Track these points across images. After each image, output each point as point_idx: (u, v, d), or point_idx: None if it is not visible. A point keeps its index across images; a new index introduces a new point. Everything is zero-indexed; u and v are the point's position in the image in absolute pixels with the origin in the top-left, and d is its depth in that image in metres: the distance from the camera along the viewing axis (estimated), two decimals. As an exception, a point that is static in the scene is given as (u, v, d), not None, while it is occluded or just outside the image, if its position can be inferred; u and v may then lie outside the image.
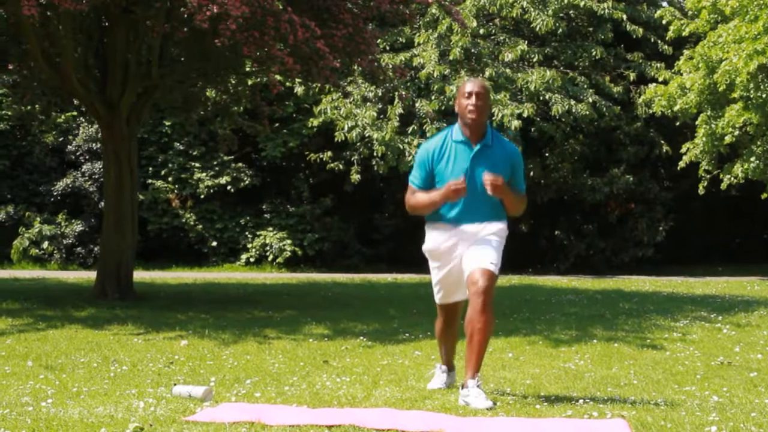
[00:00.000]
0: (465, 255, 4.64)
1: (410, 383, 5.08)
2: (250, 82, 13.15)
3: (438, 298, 4.87)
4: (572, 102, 17.20)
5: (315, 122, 18.37)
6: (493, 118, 16.27)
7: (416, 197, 4.73)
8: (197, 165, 19.61)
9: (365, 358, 6.14)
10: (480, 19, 18.25)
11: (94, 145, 19.32)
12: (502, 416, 4.17)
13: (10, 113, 17.36)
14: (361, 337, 7.32)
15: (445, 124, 15.24)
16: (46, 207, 19.63)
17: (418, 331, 7.60)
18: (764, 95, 15.30)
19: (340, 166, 18.46)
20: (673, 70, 17.95)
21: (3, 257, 18.82)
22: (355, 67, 10.83)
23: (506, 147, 4.74)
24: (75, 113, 19.59)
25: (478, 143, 4.64)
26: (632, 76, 18.59)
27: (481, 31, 18.09)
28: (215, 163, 19.58)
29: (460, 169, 4.60)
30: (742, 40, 15.27)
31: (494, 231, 4.67)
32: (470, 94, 4.60)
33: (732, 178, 16.72)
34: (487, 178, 4.49)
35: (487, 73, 16.95)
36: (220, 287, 13.45)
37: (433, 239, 4.74)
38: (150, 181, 19.47)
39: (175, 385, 4.83)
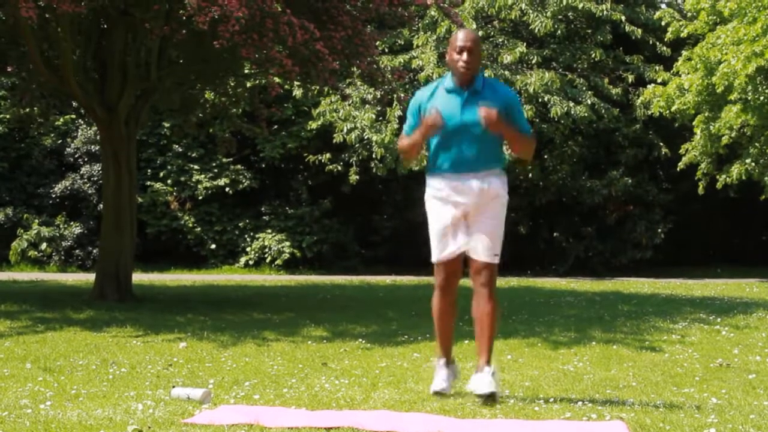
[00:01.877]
0: (466, 234, 4.60)
1: (409, 385, 5.07)
2: (248, 85, 13.15)
3: (436, 254, 4.68)
4: (571, 104, 17.21)
5: (314, 124, 18.39)
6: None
7: (403, 140, 4.77)
8: (196, 167, 19.62)
9: (364, 360, 6.14)
10: (479, 21, 18.26)
11: (92, 147, 19.32)
12: (501, 418, 4.17)
13: (8, 116, 17.36)
14: (360, 339, 7.32)
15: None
16: (45, 209, 19.63)
17: (417, 333, 7.60)
18: (762, 97, 15.31)
19: (339, 168, 18.46)
20: (671, 71, 17.97)
21: (1, 259, 18.81)
22: (354, 69, 10.82)
23: (499, 90, 4.71)
24: (74, 115, 19.60)
25: (468, 89, 4.64)
26: (631, 78, 18.61)
27: (480, 33, 18.10)
28: (214, 165, 19.58)
29: (448, 115, 4.58)
30: (741, 42, 15.28)
31: (494, 198, 4.62)
32: (461, 49, 4.58)
33: (727, 178, 16.72)
34: (482, 110, 4.47)
35: (485, 75, 16.93)
36: (218, 289, 13.44)
37: (433, 186, 4.70)
38: (149, 183, 19.47)
39: (173, 387, 4.83)
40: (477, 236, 4.60)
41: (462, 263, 4.72)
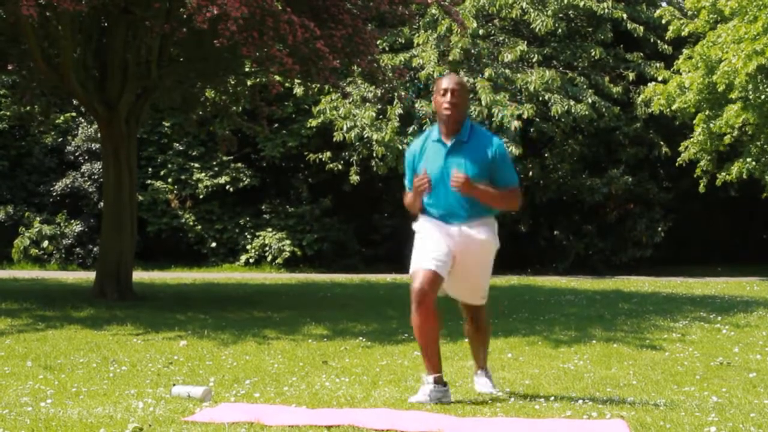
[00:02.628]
0: (454, 279, 4.64)
1: (409, 383, 5.08)
2: (249, 83, 13.15)
3: (414, 262, 4.53)
4: (571, 102, 17.20)
5: (314, 123, 18.38)
6: (493, 119, 16.27)
7: (406, 198, 4.82)
8: (196, 165, 19.61)
9: (364, 359, 6.14)
10: (479, 19, 18.24)
11: (93, 145, 19.32)
12: (502, 416, 4.18)
13: (9, 113, 17.37)
14: (360, 338, 7.32)
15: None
16: (46, 207, 19.63)
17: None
18: (763, 96, 15.30)
19: (339, 167, 18.46)
20: (672, 70, 17.96)
21: (3, 257, 18.82)
22: (355, 68, 10.83)
23: (484, 140, 4.65)
24: (74, 113, 19.57)
25: (452, 140, 4.62)
26: (631, 76, 18.60)
27: (481, 31, 18.09)
28: (214, 163, 19.58)
29: (435, 167, 4.60)
30: (742, 41, 15.27)
31: (484, 255, 4.68)
32: (446, 91, 4.60)
33: (728, 177, 16.72)
34: (453, 176, 4.48)
35: (486, 74, 16.95)
36: (219, 288, 13.45)
37: (424, 222, 4.71)
38: (149, 181, 19.47)
39: (174, 385, 4.83)
40: (465, 287, 4.73)
41: (439, 282, 4.53)
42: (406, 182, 4.82)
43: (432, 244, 4.57)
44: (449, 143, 4.62)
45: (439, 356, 4.59)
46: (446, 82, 4.64)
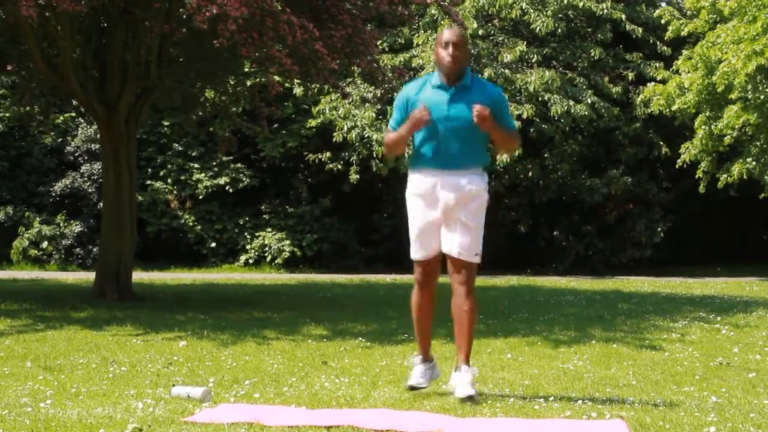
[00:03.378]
0: (446, 233, 4.63)
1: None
2: (248, 83, 13.15)
3: (415, 252, 4.73)
4: (571, 103, 17.21)
5: (314, 123, 18.39)
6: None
7: (388, 135, 4.80)
8: (196, 166, 19.62)
9: (364, 359, 6.14)
10: (479, 19, 18.25)
11: (92, 145, 19.32)
12: (501, 417, 4.18)
13: (8, 114, 17.37)
14: (360, 338, 7.32)
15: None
16: (45, 208, 19.63)
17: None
18: (762, 96, 15.31)
19: (339, 167, 18.46)
20: (671, 70, 17.97)
21: (2, 258, 18.82)
22: (354, 68, 10.83)
23: (486, 88, 4.76)
24: (74, 114, 19.58)
25: (455, 85, 4.66)
26: (631, 76, 18.61)
27: (480, 31, 18.10)
28: (214, 163, 19.59)
29: (436, 110, 4.60)
30: (741, 41, 15.28)
31: (475, 197, 4.64)
32: (447, 44, 4.62)
33: (728, 177, 16.73)
34: (475, 108, 4.49)
35: (486, 74, 16.95)
36: (219, 288, 13.45)
37: (415, 181, 4.73)
38: (149, 182, 19.47)
39: (173, 385, 4.83)
40: (457, 236, 4.62)
41: (440, 261, 4.75)
42: (392, 122, 4.79)
43: (426, 223, 4.65)
44: (452, 88, 4.65)
45: (429, 337, 4.87)
46: (447, 34, 4.65)
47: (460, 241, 4.61)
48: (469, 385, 4.49)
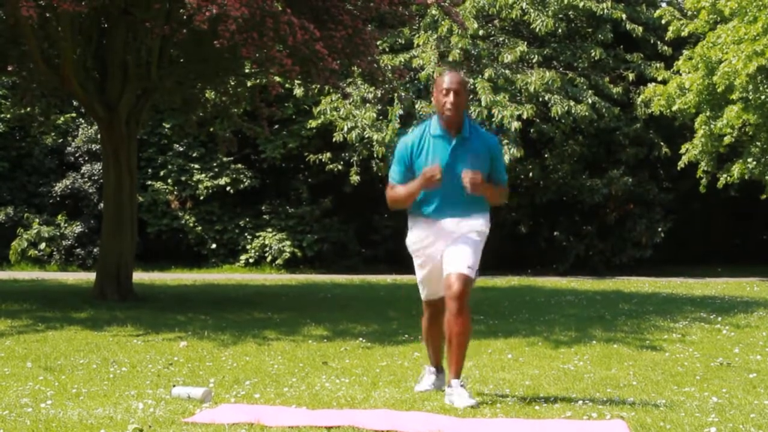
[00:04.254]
0: (444, 253, 4.65)
1: (409, 384, 5.08)
2: (249, 84, 13.15)
3: (423, 294, 4.90)
4: (571, 103, 17.20)
5: (314, 123, 18.40)
6: (493, 119, 16.27)
7: (395, 191, 4.80)
8: (196, 166, 19.62)
9: (364, 360, 6.14)
10: (479, 20, 18.25)
11: (93, 146, 19.32)
12: (502, 417, 4.18)
13: (9, 115, 17.37)
14: (361, 339, 7.32)
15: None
16: (46, 208, 19.63)
17: (418, 333, 7.56)
18: (763, 96, 15.30)
19: (340, 167, 18.46)
20: (672, 70, 17.97)
21: (2, 259, 18.82)
22: (355, 69, 10.83)
23: (484, 138, 4.78)
24: (74, 114, 19.60)
25: (456, 136, 4.65)
26: (631, 76, 18.60)
27: (481, 32, 18.09)
28: (214, 164, 19.59)
29: (439, 162, 4.60)
30: (741, 41, 15.27)
31: (474, 228, 4.66)
32: (448, 92, 4.60)
33: (728, 178, 16.72)
34: (465, 176, 4.49)
35: (486, 74, 16.95)
36: (219, 288, 13.45)
37: (415, 235, 4.78)
38: (149, 182, 19.47)
39: (174, 386, 4.83)
40: (453, 248, 4.63)
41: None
42: (394, 174, 4.79)
43: (432, 276, 4.77)
44: (454, 138, 4.65)
45: (441, 352, 4.94)
46: (448, 81, 4.63)
47: (454, 254, 4.60)
48: (466, 397, 4.45)
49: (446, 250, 4.65)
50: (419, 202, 4.72)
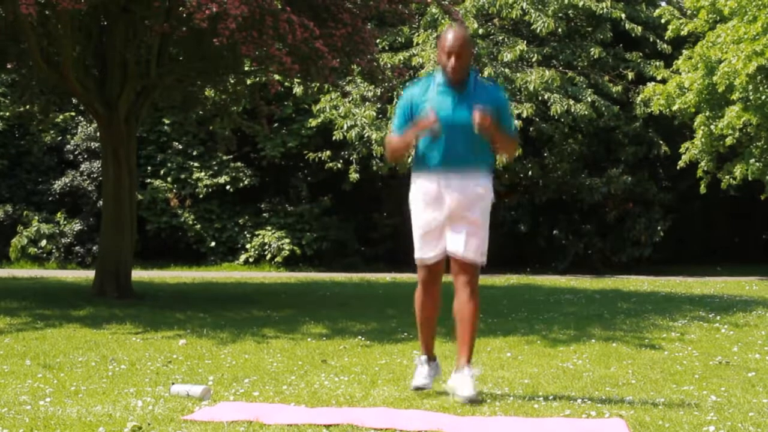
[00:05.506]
0: (451, 231, 4.61)
1: (409, 382, 5.07)
2: (249, 82, 13.14)
3: (418, 251, 4.67)
4: (571, 102, 17.20)
5: (314, 122, 18.40)
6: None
7: (392, 138, 4.75)
8: (196, 164, 19.62)
9: (363, 358, 6.14)
10: (479, 19, 18.25)
11: (92, 144, 19.33)
12: (501, 415, 4.18)
13: (8, 113, 17.37)
14: (360, 337, 7.32)
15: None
16: (45, 206, 19.63)
17: (417, 331, 7.59)
18: (764, 96, 15.30)
19: (339, 166, 18.47)
20: (671, 69, 17.97)
21: (1, 256, 18.82)
22: (354, 67, 10.82)
23: (489, 90, 4.75)
24: (74, 112, 19.60)
25: (460, 90, 4.64)
26: (631, 75, 18.60)
27: (480, 31, 18.09)
28: (214, 162, 19.59)
29: (443, 113, 4.57)
30: (741, 41, 15.27)
31: (481, 207, 4.62)
32: (449, 54, 4.57)
33: (731, 179, 16.73)
34: (476, 114, 4.46)
35: (486, 73, 16.95)
36: (218, 286, 13.45)
37: (419, 185, 4.70)
38: (149, 180, 19.47)
39: (173, 384, 4.83)
40: (463, 236, 4.58)
41: (445, 261, 4.71)
42: (395, 126, 4.75)
43: (430, 226, 4.63)
44: (458, 91, 4.63)
45: (434, 337, 4.84)
46: (450, 41, 4.59)
47: (467, 240, 4.57)
48: (471, 387, 4.45)
49: (453, 227, 4.59)
50: (422, 154, 4.67)
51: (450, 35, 4.62)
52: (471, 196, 4.60)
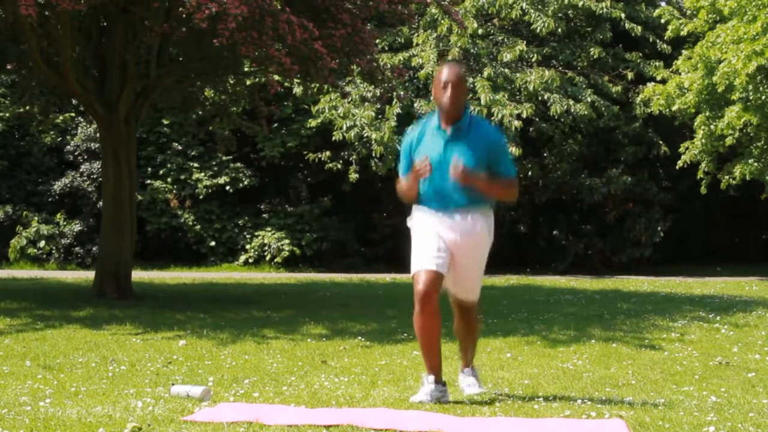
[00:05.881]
0: (454, 271, 4.61)
1: (408, 383, 5.08)
2: (248, 83, 13.14)
3: (416, 264, 4.54)
4: (571, 102, 17.20)
5: (313, 123, 18.40)
6: (492, 118, 16.27)
7: (400, 184, 4.78)
8: (196, 165, 19.61)
9: (363, 358, 6.14)
10: (479, 19, 18.25)
11: (92, 144, 19.31)
12: (501, 416, 4.18)
13: (8, 113, 17.36)
14: (360, 337, 7.32)
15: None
16: (45, 207, 19.62)
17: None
18: (763, 96, 15.30)
19: (339, 166, 18.46)
20: (671, 70, 17.97)
21: (1, 257, 18.81)
22: (354, 67, 10.82)
23: (483, 130, 4.70)
24: (73, 113, 19.58)
25: (452, 127, 4.62)
26: (630, 75, 18.60)
27: (480, 31, 18.09)
28: (214, 163, 19.58)
29: (434, 154, 4.57)
30: (741, 41, 15.27)
31: (480, 251, 4.65)
32: (446, 85, 4.58)
33: (731, 179, 16.73)
34: (451, 168, 4.46)
35: (485, 73, 16.95)
36: (218, 287, 13.45)
37: (419, 214, 4.69)
38: (148, 181, 19.46)
39: (173, 384, 4.83)
40: (461, 283, 4.70)
41: (441, 280, 4.56)
42: (401, 168, 4.79)
43: (429, 242, 4.57)
44: (449, 131, 4.62)
45: (439, 356, 4.63)
46: (446, 75, 4.61)
47: (463, 287, 4.72)
48: (476, 385, 4.79)
49: (454, 271, 4.61)
50: (421, 194, 4.67)
51: (446, 69, 4.67)
52: (469, 240, 4.59)
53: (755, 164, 16.25)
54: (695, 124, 16.88)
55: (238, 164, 19.58)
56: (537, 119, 17.75)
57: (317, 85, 11.32)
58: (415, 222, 4.71)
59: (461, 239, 4.57)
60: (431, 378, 4.58)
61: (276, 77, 10.85)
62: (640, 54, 18.89)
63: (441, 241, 4.56)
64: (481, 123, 4.82)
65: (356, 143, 17.65)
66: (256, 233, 19.29)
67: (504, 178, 4.66)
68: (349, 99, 16.91)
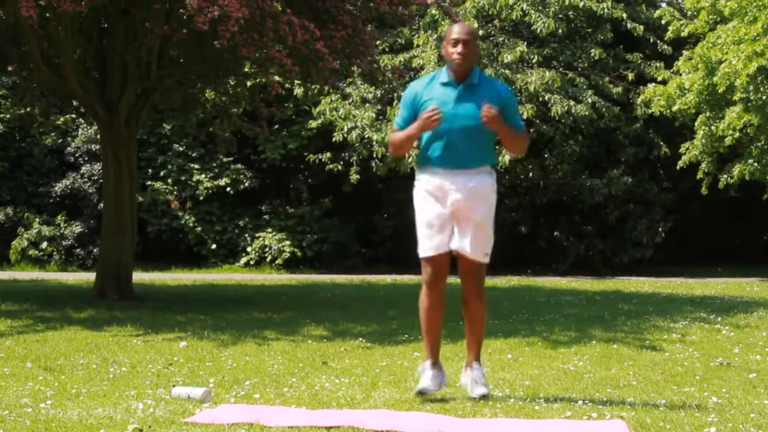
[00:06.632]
0: (457, 231, 4.59)
1: (409, 384, 5.07)
2: (249, 84, 13.15)
3: (423, 246, 4.62)
4: (571, 103, 17.20)
5: (314, 124, 18.40)
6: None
7: (396, 134, 4.74)
8: (196, 166, 19.62)
9: (364, 360, 6.14)
10: (479, 20, 18.25)
11: (93, 146, 19.33)
12: (502, 417, 4.18)
13: (9, 115, 17.37)
14: (360, 339, 7.32)
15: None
16: (45, 208, 19.64)
17: (418, 333, 7.55)
18: (764, 97, 15.30)
19: (339, 167, 18.47)
20: (672, 70, 17.97)
21: (2, 258, 18.82)
22: (354, 69, 10.83)
23: (494, 86, 4.75)
24: (74, 115, 19.60)
25: (463, 83, 4.63)
26: (631, 76, 18.60)
27: (481, 32, 18.09)
28: (214, 164, 19.59)
29: (445, 108, 4.56)
30: (741, 42, 15.27)
31: (485, 206, 4.62)
32: (456, 42, 4.59)
33: (729, 179, 16.73)
34: (483, 107, 4.48)
35: (486, 74, 16.94)
36: (219, 288, 13.45)
37: (423, 181, 4.68)
38: (149, 182, 19.47)
39: (174, 386, 4.83)
40: (467, 236, 4.59)
41: (449, 261, 4.69)
42: (398, 120, 4.75)
43: (434, 221, 4.60)
44: (460, 86, 4.62)
45: (439, 341, 4.76)
46: (456, 31, 4.62)
47: (472, 241, 4.59)
48: (482, 385, 4.60)
49: (459, 227, 4.59)
50: (425, 150, 4.66)
51: (456, 26, 4.68)
52: (475, 197, 4.59)
53: (755, 165, 16.25)
54: (696, 124, 16.88)
55: (239, 166, 19.59)
56: (538, 120, 17.75)
57: (318, 86, 11.33)
58: (419, 194, 4.69)
59: (467, 198, 4.57)
60: (427, 363, 4.69)
61: (277, 78, 10.86)
62: (641, 55, 18.89)
63: (445, 215, 4.58)
64: (492, 79, 4.85)
65: (357, 144, 17.66)
66: (257, 235, 19.30)
67: (517, 129, 4.71)
68: (350, 100, 16.92)
